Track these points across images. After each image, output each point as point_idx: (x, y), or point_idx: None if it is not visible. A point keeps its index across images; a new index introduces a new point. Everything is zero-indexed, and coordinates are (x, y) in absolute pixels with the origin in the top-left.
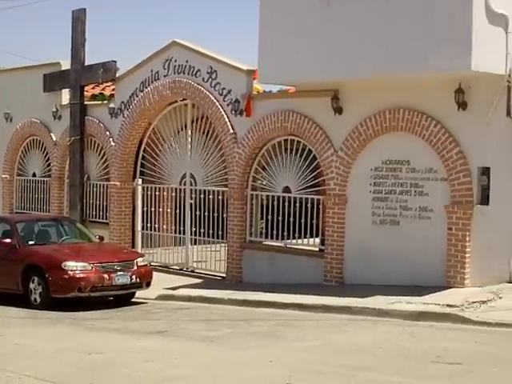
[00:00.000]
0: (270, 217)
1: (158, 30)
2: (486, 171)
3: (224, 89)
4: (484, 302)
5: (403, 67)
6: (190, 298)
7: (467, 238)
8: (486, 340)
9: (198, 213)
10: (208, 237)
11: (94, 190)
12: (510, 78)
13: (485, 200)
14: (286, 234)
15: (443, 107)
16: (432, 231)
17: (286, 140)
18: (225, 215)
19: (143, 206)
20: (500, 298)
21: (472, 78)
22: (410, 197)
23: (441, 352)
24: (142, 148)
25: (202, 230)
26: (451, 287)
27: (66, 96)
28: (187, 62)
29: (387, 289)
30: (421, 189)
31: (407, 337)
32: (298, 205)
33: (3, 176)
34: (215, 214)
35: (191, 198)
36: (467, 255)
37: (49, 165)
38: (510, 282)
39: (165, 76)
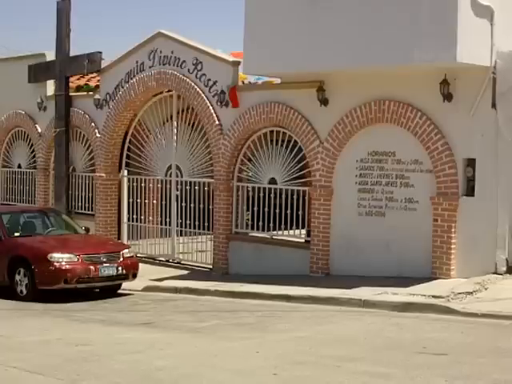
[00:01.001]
0: (256, 208)
1: (144, 21)
2: (471, 163)
3: (209, 80)
4: (470, 293)
5: (388, 58)
6: (176, 290)
7: (453, 230)
8: (471, 331)
9: (183, 204)
10: (194, 228)
11: (80, 181)
12: (495, 69)
13: (470, 191)
14: (272, 225)
15: (428, 99)
16: (418, 222)
17: (271, 131)
18: (211, 207)
19: (129, 198)
20: (486, 289)
21: (457, 70)
22: (395, 188)
23: (427, 343)
24: (128, 139)
25: (188, 222)
26: (437, 278)
27: (50, 87)
28: (172, 52)
29: (373, 280)
30: (406, 180)
31: (393, 328)
32: (283, 196)
33: None
34: (201, 206)
35: (177, 190)
36: (453, 246)
37: (34, 156)
38: (495, 273)
39: (150, 67)
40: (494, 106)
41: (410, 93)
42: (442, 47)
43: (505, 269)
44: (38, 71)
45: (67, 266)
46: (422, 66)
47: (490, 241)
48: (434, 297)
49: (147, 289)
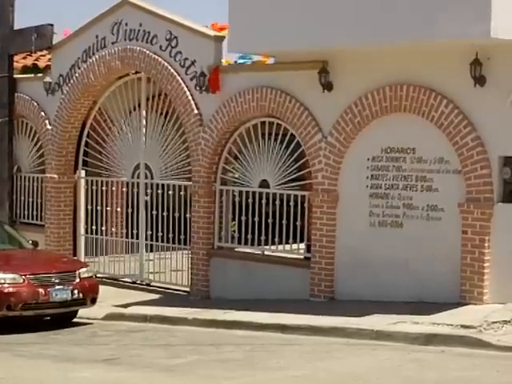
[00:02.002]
0: (243, 217)
1: None
2: (508, 161)
3: (186, 59)
4: (507, 322)
5: (407, 34)
6: (145, 318)
7: (486, 244)
8: (509, 369)
9: (154, 212)
10: (167, 242)
11: (26, 184)
12: None
13: (507, 197)
14: (263, 238)
15: (456, 83)
16: (443, 235)
17: (263, 123)
18: (188, 215)
19: (87, 205)
20: None
21: (491, 47)
22: (415, 193)
23: (454, 383)
24: (86, 132)
25: (160, 234)
26: (467, 304)
27: None
28: (141, 25)
29: (388, 306)
30: (429, 183)
31: (413, 365)
32: (278, 203)
33: None
34: (176, 214)
35: (146, 195)
36: (486, 265)
37: None
38: None
39: (113, 43)
40: None
41: (433, 76)
42: (472, 19)
43: None
44: None
45: (10, 289)
46: (448, 43)
47: None
48: (462, 327)
49: (109, 317)
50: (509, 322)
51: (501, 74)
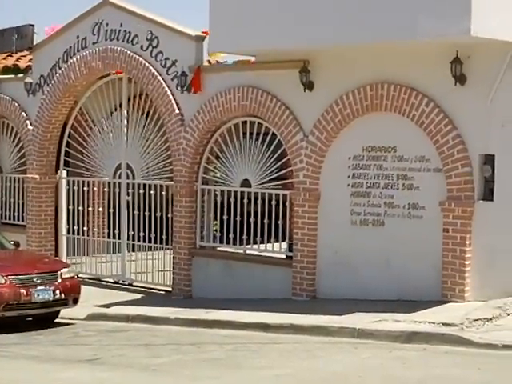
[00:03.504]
0: (225, 217)
1: None
2: (489, 160)
3: (167, 59)
4: (488, 320)
5: (388, 33)
6: (127, 318)
7: (467, 242)
8: (490, 366)
9: (136, 212)
10: (149, 242)
11: (7, 184)
12: None
13: (488, 195)
14: (245, 237)
15: (437, 82)
16: (424, 233)
17: (244, 122)
18: (170, 215)
19: (68, 205)
20: (508, 314)
21: (472, 46)
22: (396, 191)
23: (436, 381)
24: (67, 133)
25: (142, 234)
26: (448, 302)
27: None
28: (122, 25)
29: (370, 304)
30: (410, 181)
31: (395, 363)
32: (259, 202)
33: None
34: (158, 214)
35: (128, 195)
36: (467, 262)
37: None
38: None
39: (94, 43)
40: None
41: (414, 74)
42: (453, 18)
43: None
44: None
45: None
46: (428, 42)
47: None
48: (444, 324)
49: (91, 317)
50: (490, 319)
51: (481, 72)
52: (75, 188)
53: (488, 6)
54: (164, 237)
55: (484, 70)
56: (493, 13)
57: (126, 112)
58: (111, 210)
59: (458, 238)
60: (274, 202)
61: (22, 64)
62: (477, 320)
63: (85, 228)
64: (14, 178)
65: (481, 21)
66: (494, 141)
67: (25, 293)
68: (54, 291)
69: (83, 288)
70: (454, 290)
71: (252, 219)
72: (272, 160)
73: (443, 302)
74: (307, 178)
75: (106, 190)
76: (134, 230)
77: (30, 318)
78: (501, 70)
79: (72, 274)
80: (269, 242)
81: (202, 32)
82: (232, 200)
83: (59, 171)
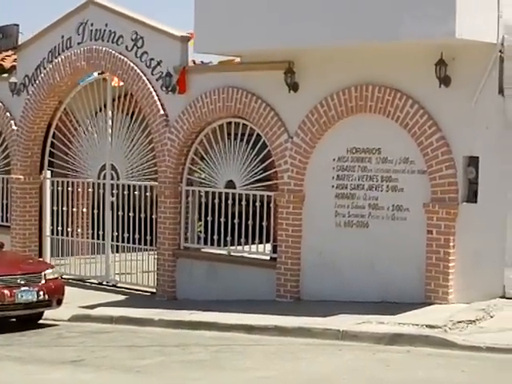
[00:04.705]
0: (209, 218)
1: None
2: (473, 161)
3: (152, 60)
4: (472, 322)
5: (372, 34)
6: (111, 319)
7: (451, 244)
8: (474, 368)
9: (120, 213)
10: (133, 243)
11: None
12: (503, 47)
13: (472, 197)
14: (229, 239)
15: (421, 83)
16: (408, 235)
17: (229, 123)
18: (154, 216)
19: (53, 205)
20: (491, 316)
21: (456, 48)
22: (381, 193)
23: (420, 383)
24: (52, 133)
25: (126, 235)
26: (432, 304)
27: None
28: (107, 25)
29: (354, 306)
30: (394, 183)
31: (378, 365)
32: (244, 203)
33: None
34: (142, 215)
35: (112, 195)
36: (451, 264)
37: None
38: (503, 297)
39: (79, 43)
40: (501, 91)
41: (398, 76)
42: (437, 20)
43: None
44: None
45: None
46: (413, 44)
47: (496, 257)
48: (428, 326)
49: (75, 318)
50: (474, 321)
51: (466, 74)
52: (59, 189)
53: (473, 8)
54: (148, 238)
55: (468, 72)
56: (478, 15)
57: (110, 112)
58: (95, 211)
59: (441, 239)
60: (258, 204)
61: (7, 64)
62: (460, 322)
63: (69, 229)
64: None
65: (466, 22)
66: (478, 143)
67: (8, 294)
68: (37, 292)
69: (67, 289)
70: (438, 292)
71: (236, 220)
72: (256, 161)
73: (427, 304)
74: (292, 180)
75: (90, 190)
76: (118, 230)
77: (14, 319)
78: (485, 71)
79: (56, 275)
80: (253, 243)
81: (188, 33)
82: (216, 201)
83: (43, 172)
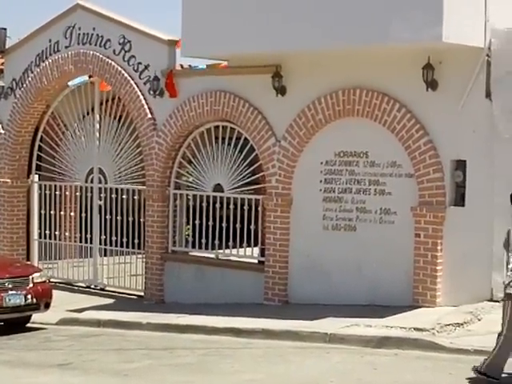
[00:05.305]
0: (197, 221)
1: None
2: (460, 165)
3: (140, 63)
4: (460, 325)
5: (359, 38)
6: (99, 323)
7: (439, 247)
8: (462, 372)
9: (108, 217)
10: (121, 246)
11: None
12: (490, 51)
13: (460, 200)
14: (217, 242)
15: (409, 87)
16: (396, 238)
17: (216, 127)
18: (142, 220)
19: (40, 209)
20: (479, 319)
21: (443, 52)
22: (368, 196)
23: None
24: (39, 137)
25: (114, 239)
26: (420, 307)
27: None
28: (94, 29)
29: (341, 309)
30: (382, 187)
31: (366, 367)
32: (232, 207)
33: None
34: (130, 219)
35: (100, 199)
36: (439, 268)
37: None
38: (491, 300)
39: (67, 47)
40: (488, 95)
41: (386, 80)
42: (424, 24)
43: (502, 295)
44: None
45: None
46: (400, 47)
47: (484, 261)
48: (415, 329)
49: (63, 322)
50: (461, 324)
51: (453, 78)
52: (47, 192)
53: (460, 12)
54: (136, 241)
55: (456, 76)
56: (465, 19)
57: (98, 116)
58: (83, 215)
59: (429, 243)
60: (246, 207)
61: None
62: (448, 325)
63: (57, 232)
64: None
65: (453, 26)
66: (465, 146)
67: None
68: (25, 296)
69: (55, 292)
70: (426, 295)
71: (224, 224)
72: (244, 165)
73: (415, 307)
74: (279, 183)
75: (78, 194)
76: (106, 234)
77: (1, 323)
78: (472, 75)
79: (44, 279)
80: (241, 246)
81: (175, 40)
82: (204, 205)
83: (31, 175)
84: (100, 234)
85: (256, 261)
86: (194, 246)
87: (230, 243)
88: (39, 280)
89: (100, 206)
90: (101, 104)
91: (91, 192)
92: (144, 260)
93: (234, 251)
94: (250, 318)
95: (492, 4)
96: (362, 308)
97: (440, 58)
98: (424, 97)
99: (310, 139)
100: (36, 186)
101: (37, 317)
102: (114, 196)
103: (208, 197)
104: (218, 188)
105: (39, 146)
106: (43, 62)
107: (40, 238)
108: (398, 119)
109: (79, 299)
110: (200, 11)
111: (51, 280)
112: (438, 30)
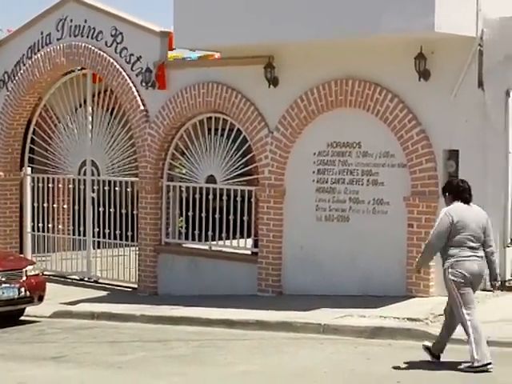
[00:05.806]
0: (190, 213)
1: None
2: (453, 155)
3: (132, 55)
4: None
5: (352, 28)
6: (92, 315)
7: None
8: (455, 360)
9: (101, 209)
10: (115, 239)
11: None
12: (482, 40)
13: None
14: (210, 234)
15: (401, 77)
16: (389, 229)
17: (209, 118)
18: (135, 212)
19: (33, 202)
20: None
21: (436, 42)
22: (361, 187)
23: (401, 377)
24: (32, 129)
25: (107, 231)
26: (413, 297)
27: None
28: (86, 21)
29: (335, 299)
30: (375, 177)
31: (360, 358)
32: (225, 198)
33: None
34: (123, 211)
35: (93, 191)
36: None
37: None
38: (484, 290)
39: (58, 39)
40: (480, 85)
41: (378, 70)
42: (416, 13)
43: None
44: None
45: None
46: (392, 37)
47: None
48: (409, 320)
49: (57, 314)
50: None
51: (445, 67)
52: (40, 185)
53: (452, 2)
54: (129, 233)
55: (448, 66)
56: (457, 8)
57: (90, 108)
58: (76, 207)
59: (422, 233)
60: (239, 198)
61: None
62: (441, 315)
63: (50, 225)
64: None
65: (445, 16)
66: (457, 136)
67: None
68: (19, 289)
69: (48, 285)
70: (419, 285)
71: (217, 215)
72: (237, 156)
73: (408, 297)
74: (272, 174)
75: (70, 186)
76: (99, 226)
77: None
78: (464, 65)
79: (37, 272)
80: (234, 238)
81: (167, 32)
82: (197, 196)
83: (24, 168)
84: (93, 227)
85: (249, 252)
86: (187, 238)
87: (224, 234)
88: (33, 273)
89: (93, 199)
90: (93, 96)
91: (84, 184)
92: (137, 252)
93: (228, 242)
94: (244, 310)
95: None
96: (355, 298)
97: (432, 48)
98: (416, 87)
99: (302, 130)
100: (29, 179)
101: (30, 310)
102: (106, 188)
103: (201, 188)
104: (210, 179)
105: (32, 139)
106: (35, 54)
107: (33, 230)
108: (391, 109)
109: (73, 292)
110: (192, 2)
111: (45, 273)
112: (429, 20)
